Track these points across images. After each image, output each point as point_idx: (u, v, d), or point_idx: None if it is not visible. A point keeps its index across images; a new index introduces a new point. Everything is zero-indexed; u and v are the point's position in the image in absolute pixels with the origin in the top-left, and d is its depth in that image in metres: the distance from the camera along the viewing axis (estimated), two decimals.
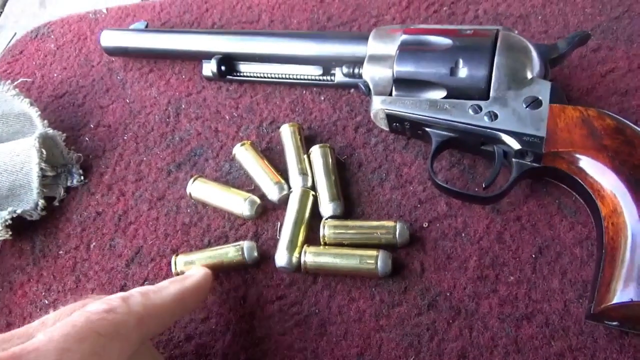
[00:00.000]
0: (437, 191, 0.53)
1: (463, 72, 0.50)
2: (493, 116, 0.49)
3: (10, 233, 0.56)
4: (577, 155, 0.45)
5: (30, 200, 0.58)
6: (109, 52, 0.70)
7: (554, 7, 0.63)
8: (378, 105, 0.53)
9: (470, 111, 0.49)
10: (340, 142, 0.59)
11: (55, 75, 0.72)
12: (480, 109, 0.49)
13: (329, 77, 0.61)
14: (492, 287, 0.48)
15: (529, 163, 0.48)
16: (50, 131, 0.60)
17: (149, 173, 0.61)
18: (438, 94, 0.51)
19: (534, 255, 0.49)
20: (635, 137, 0.44)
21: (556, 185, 0.51)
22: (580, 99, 0.56)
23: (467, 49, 0.50)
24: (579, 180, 0.46)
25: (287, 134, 0.58)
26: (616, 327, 0.43)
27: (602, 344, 0.44)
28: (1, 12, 0.85)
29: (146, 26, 0.70)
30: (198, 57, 0.66)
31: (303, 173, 0.55)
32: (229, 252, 0.52)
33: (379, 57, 0.55)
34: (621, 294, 0.39)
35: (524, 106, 0.48)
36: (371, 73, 0.55)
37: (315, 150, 0.56)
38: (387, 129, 0.56)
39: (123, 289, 0.54)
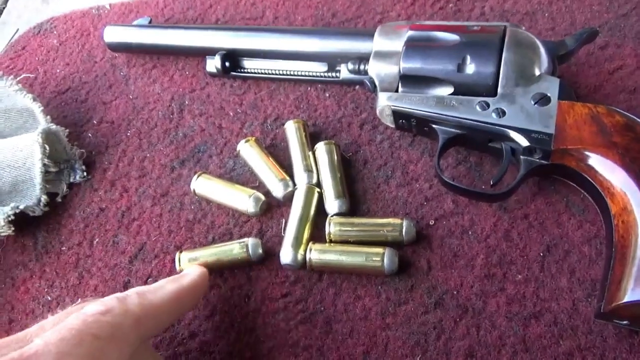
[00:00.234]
0: (444, 189, 0.53)
1: (470, 68, 0.50)
2: (501, 113, 0.48)
3: (12, 229, 0.55)
4: (587, 153, 0.45)
5: (32, 196, 0.57)
6: (112, 48, 0.69)
7: (560, 4, 0.63)
8: (384, 102, 0.53)
9: (478, 108, 0.49)
10: (346, 139, 0.58)
11: (58, 71, 0.72)
12: (488, 105, 0.49)
13: (334, 74, 0.60)
14: (500, 285, 0.48)
15: (537, 160, 0.47)
16: (53, 127, 0.60)
17: (152, 169, 0.61)
18: (445, 91, 0.51)
19: (541, 254, 0.48)
20: None
21: (564, 183, 0.50)
22: (587, 96, 0.55)
23: (474, 45, 0.50)
24: (588, 178, 0.45)
25: (291, 130, 0.58)
26: (626, 326, 0.43)
27: (611, 343, 0.43)
28: (4, 8, 0.85)
29: (149, 22, 0.69)
30: (202, 53, 0.65)
31: (308, 170, 0.55)
32: (233, 249, 0.52)
33: (385, 53, 0.54)
34: (632, 292, 0.39)
35: (532, 103, 0.48)
36: (377, 69, 0.54)
37: (321, 147, 0.55)
38: (393, 126, 0.55)
39: (126, 285, 0.54)
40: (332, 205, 0.53)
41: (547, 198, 0.51)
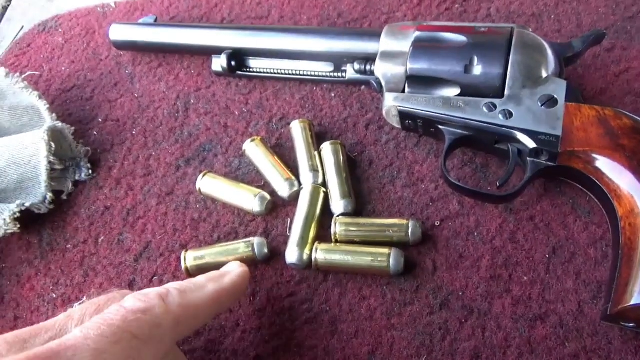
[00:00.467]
0: (449, 190, 0.53)
1: (478, 69, 0.50)
2: (508, 114, 0.48)
3: (18, 226, 0.55)
4: (594, 155, 0.45)
5: (38, 194, 0.57)
6: (118, 46, 0.69)
7: (567, 6, 0.63)
8: (390, 103, 0.53)
9: (485, 109, 0.49)
10: (351, 139, 0.58)
11: (63, 68, 0.72)
12: (495, 107, 0.49)
13: (340, 74, 0.60)
14: (505, 287, 0.48)
15: (544, 162, 0.48)
16: (59, 124, 0.60)
17: (157, 168, 0.61)
18: (452, 92, 0.51)
19: (547, 256, 0.48)
20: None
21: (570, 185, 0.50)
22: (594, 99, 0.55)
23: (482, 47, 0.50)
24: (595, 180, 0.46)
25: (297, 130, 0.58)
26: (632, 329, 0.43)
27: (617, 345, 0.44)
28: (9, 5, 0.85)
29: (155, 20, 0.69)
30: (208, 52, 0.65)
31: (314, 169, 0.55)
32: (239, 248, 0.52)
33: (391, 53, 0.54)
34: (639, 295, 0.39)
35: (539, 105, 0.48)
36: (383, 70, 0.54)
37: (326, 147, 0.56)
38: (399, 127, 0.55)
39: (131, 284, 0.54)
40: (338, 205, 0.53)
41: (553, 200, 0.51)
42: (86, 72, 0.71)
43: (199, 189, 0.57)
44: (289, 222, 0.54)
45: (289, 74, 0.62)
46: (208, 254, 0.52)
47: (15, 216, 0.55)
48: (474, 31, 0.52)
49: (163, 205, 0.58)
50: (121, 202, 0.59)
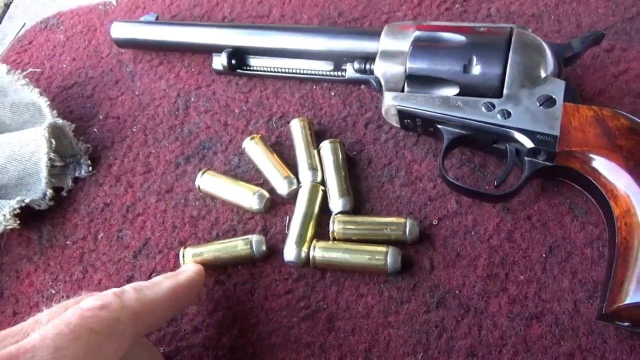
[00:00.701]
0: (447, 189, 0.53)
1: (477, 69, 0.50)
2: (506, 114, 0.48)
3: (18, 222, 0.55)
4: (591, 155, 0.45)
5: (38, 190, 0.58)
6: (119, 44, 0.70)
7: (567, 7, 0.63)
8: (390, 102, 0.53)
9: (483, 109, 0.49)
10: (350, 138, 0.59)
11: (64, 66, 0.72)
12: (493, 106, 0.49)
13: (339, 73, 0.61)
14: (502, 285, 0.48)
15: (541, 162, 0.48)
16: (60, 121, 0.60)
17: (157, 165, 0.61)
18: (451, 91, 0.51)
19: (544, 255, 0.48)
20: None
21: (567, 185, 0.51)
22: (593, 99, 0.56)
23: (481, 47, 0.50)
24: (592, 180, 0.46)
25: (297, 128, 0.58)
26: (627, 328, 0.43)
27: (612, 344, 0.44)
28: (11, 2, 0.85)
29: (156, 18, 0.69)
30: (208, 50, 0.65)
31: (313, 168, 0.55)
32: (237, 245, 0.52)
33: (391, 53, 0.54)
34: (634, 294, 0.39)
35: (538, 105, 0.48)
36: (383, 69, 0.54)
37: (325, 146, 0.56)
38: (398, 126, 0.55)
39: (130, 280, 0.54)
40: (336, 203, 0.53)
41: (550, 200, 0.51)
42: (87, 70, 0.71)
43: (198, 187, 0.57)
44: (287, 219, 0.54)
45: (289, 73, 0.63)
46: (206, 251, 0.53)
47: (15, 212, 0.55)
48: (473, 31, 0.52)
49: (162, 202, 0.58)
50: (121, 199, 0.59)
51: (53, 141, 0.58)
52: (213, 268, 0.53)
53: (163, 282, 0.44)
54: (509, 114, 0.48)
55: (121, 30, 0.68)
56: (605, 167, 0.44)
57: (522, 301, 0.47)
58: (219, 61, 0.63)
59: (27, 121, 0.62)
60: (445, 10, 0.66)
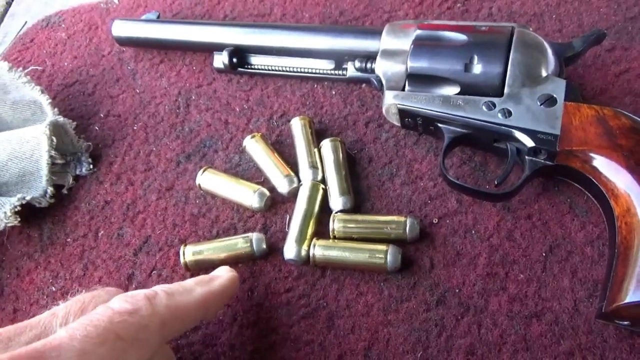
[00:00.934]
0: (448, 187, 0.53)
1: (477, 68, 0.50)
2: (507, 113, 0.48)
3: (18, 219, 0.55)
4: (592, 154, 0.45)
5: (39, 188, 0.58)
6: (120, 42, 0.70)
7: (568, 6, 0.63)
8: (390, 100, 0.53)
9: (484, 108, 0.49)
10: (351, 137, 0.59)
11: (65, 64, 0.72)
12: (494, 105, 0.49)
13: (340, 72, 0.61)
14: (502, 284, 0.48)
15: (542, 161, 0.48)
16: (61, 119, 0.60)
17: (158, 163, 0.61)
18: (451, 90, 0.51)
19: (544, 254, 0.48)
20: None
21: (568, 184, 0.51)
22: (594, 98, 0.56)
23: (482, 46, 0.50)
24: (593, 179, 0.46)
25: (297, 127, 0.58)
26: (627, 327, 0.43)
27: (611, 343, 0.44)
28: (12, 0, 0.85)
29: (158, 17, 0.69)
30: (209, 49, 0.65)
31: (313, 166, 0.55)
32: (237, 243, 0.52)
33: (392, 52, 0.54)
34: (634, 293, 0.39)
35: (539, 104, 0.48)
36: (384, 68, 0.54)
37: (326, 144, 0.56)
38: (398, 125, 0.55)
39: (130, 277, 0.54)
40: (337, 202, 0.53)
41: (550, 199, 0.51)
42: (88, 68, 0.71)
43: (199, 185, 0.57)
44: (287, 218, 0.54)
45: (290, 71, 0.63)
46: (207, 249, 0.53)
47: (16, 210, 0.55)
48: (474, 30, 0.52)
49: (163, 200, 0.58)
50: (121, 197, 0.59)
51: (54, 139, 0.58)
52: (213, 266, 0.52)
53: (196, 289, 0.42)
54: (510, 113, 0.48)
55: (122, 28, 0.68)
56: (605, 166, 0.44)
57: (522, 300, 0.47)
58: (220, 59, 0.64)
59: (28, 119, 0.63)
60: (447, 9, 0.66)
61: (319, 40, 0.60)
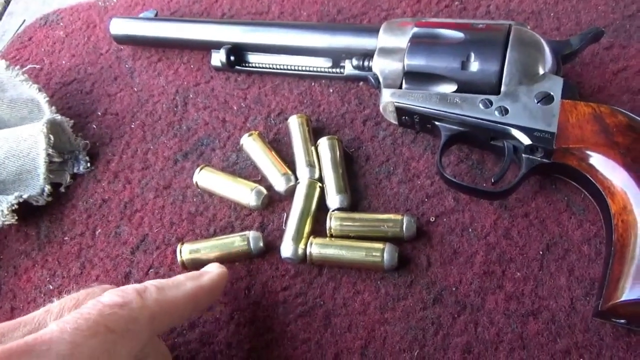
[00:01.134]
0: (445, 186, 0.53)
1: (474, 66, 0.50)
2: (504, 111, 0.48)
3: (16, 218, 0.55)
4: (588, 152, 0.45)
5: (36, 186, 0.58)
6: (118, 41, 0.70)
7: (566, 4, 0.63)
8: (387, 98, 0.53)
9: (481, 105, 0.49)
10: (348, 135, 0.59)
11: (63, 62, 0.72)
12: (491, 103, 0.49)
13: (338, 70, 0.61)
14: (499, 282, 0.48)
15: (539, 159, 0.48)
16: (58, 117, 0.60)
17: (155, 161, 0.61)
18: (448, 88, 0.51)
19: (541, 252, 0.48)
20: None
21: (565, 182, 0.50)
22: (591, 96, 0.55)
23: (479, 43, 0.50)
24: (589, 177, 0.46)
25: (295, 125, 0.58)
26: (623, 325, 0.43)
27: (608, 341, 0.44)
28: None
29: (155, 15, 0.69)
30: (207, 47, 0.65)
31: (310, 165, 0.55)
32: (234, 241, 0.52)
33: (389, 50, 0.54)
34: (630, 291, 0.39)
35: (536, 101, 0.48)
36: (381, 66, 0.54)
37: (323, 142, 0.56)
38: (395, 123, 0.55)
39: (128, 276, 0.54)
40: (334, 200, 0.53)
41: (547, 197, 0.51)
42: (86, 66, 0.71)
43: (196, 183, 0.57)
44: (284, 216, 0.54)
45: (288, 70, 0.63)
46: (204, 247, 0.53)
47: (13, 208, 0.55)
48: (472, 28, 0.52)
49: (160, 198, 0.58)
50: (119, 195, 0.59)
51: (51, 137, 0.58)
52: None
53: (186, 284, 0.43)
54: (507, 111, 0.48)
55: (120, 26, 0.68)
56: (602, 164, 0.44)
57: (519, 298, 0.47)
58: (218, 58, 0.64)
59: (25, 117, 0.62)
60: (445, 7, 0.66)
61: (316, 38, 0.60)
